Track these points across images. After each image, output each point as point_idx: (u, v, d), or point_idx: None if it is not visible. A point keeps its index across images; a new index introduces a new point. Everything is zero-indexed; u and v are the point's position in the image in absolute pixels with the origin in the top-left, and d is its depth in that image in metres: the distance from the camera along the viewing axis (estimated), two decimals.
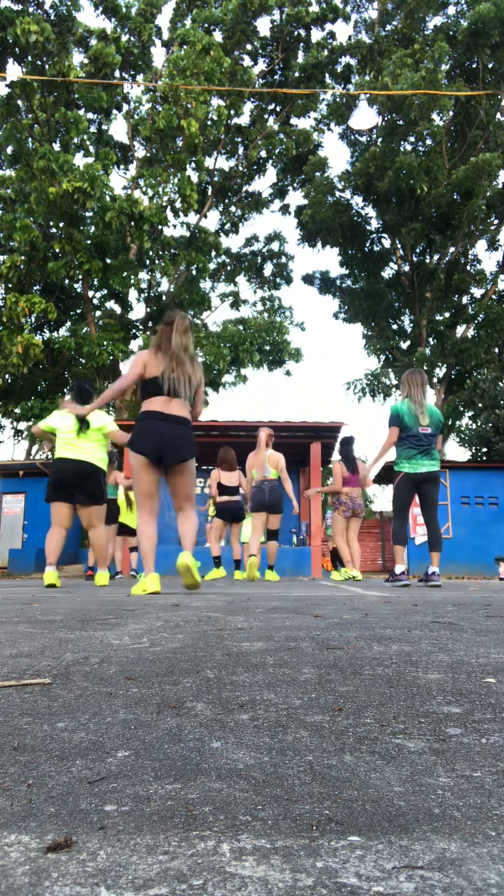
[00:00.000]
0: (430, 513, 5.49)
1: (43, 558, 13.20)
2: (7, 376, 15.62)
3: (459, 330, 19.65)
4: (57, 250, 15.33)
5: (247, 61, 18.94)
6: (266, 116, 19.99)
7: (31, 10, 15.39)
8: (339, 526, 7.89)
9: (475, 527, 13.51)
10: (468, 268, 20.07)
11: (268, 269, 22.15)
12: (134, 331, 17.83)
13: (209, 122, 16.62)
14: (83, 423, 5.44)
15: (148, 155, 16.97)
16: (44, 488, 14.54)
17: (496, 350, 18.63)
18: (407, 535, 5.62)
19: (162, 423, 3.89)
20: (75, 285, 18.19)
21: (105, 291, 17.64)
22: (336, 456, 7.99)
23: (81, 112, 16.70)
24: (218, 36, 17.93)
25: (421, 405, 5.46)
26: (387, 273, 20.45)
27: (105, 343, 15.53)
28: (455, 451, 35.93)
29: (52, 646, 1.57)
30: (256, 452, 7.38)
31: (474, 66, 18.00)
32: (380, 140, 17.99)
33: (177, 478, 3.98)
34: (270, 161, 20.03)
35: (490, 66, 17.74)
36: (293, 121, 20.39)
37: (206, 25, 17.89)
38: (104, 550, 5.60)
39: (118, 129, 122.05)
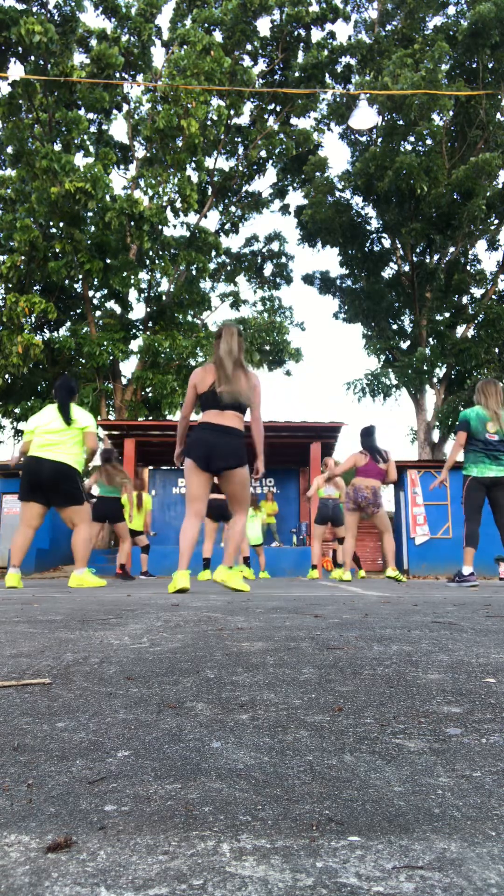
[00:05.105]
0: (501, 518, 5.49)
1: (43, 558, 13.18)
2: (7, 376, 15.60)
3: (459, 330, 19.64)
4: (57, 250, 15.32)
5: (247, 61, 18.93)
6: (266, 116, 19.97)
7: (34, 9, 15.37)
8: (348, 521, 7.32)
9: None
10: (468, 268, 20.05)
11: (268, 269, 22.12)
12: (134, 331, 17.81)
13: (209, 122, 16.60)
14: (67, 417, 5.33)
15: (148, 155, 16.96)
16: None
17: (496, 350, 18.62)
18: (478, 537, 5.49)
19: (212, 433, 4.16)
20: (75, 285, 18.16)
21: (105, 291, 17.61)
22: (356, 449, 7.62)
23: (82, 112, 16.69)
24: (218, 36, 17.91)
25: (496, 414, 5.51)
26: (387, 273, 20.44)
27: (105, 343, 15.52)
28: None
29: (52, 646, 1.57)
30: (323, 476, 9.08)
31: (474, 66, 17.99)
32: (380, 140, 17.98)
33: (226, 484, 4.25)
34: (270, 161, 20.02)
35: (490, 66, 17.73)
36: (293, 121, 20.38)
37: (206, 25, 17.87)
38: (84, 550, 5.41)
39: (118, 129, 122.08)
